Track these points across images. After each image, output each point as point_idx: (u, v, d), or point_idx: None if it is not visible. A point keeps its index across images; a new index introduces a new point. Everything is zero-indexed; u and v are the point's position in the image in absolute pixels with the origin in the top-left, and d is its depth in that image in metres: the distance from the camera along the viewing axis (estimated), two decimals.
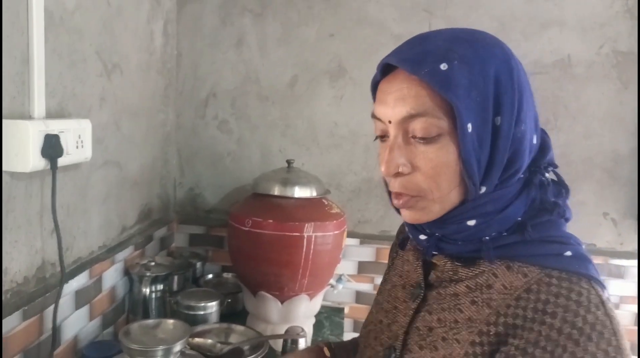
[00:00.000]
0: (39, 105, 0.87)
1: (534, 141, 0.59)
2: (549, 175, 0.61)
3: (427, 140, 0.56)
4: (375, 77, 0.62)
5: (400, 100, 0.56)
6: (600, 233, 1.50)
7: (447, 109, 0.54)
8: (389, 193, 0.66)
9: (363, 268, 1.57)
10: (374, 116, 0.61)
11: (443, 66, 0.53)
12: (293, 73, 1.54)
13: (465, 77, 0.53)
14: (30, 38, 0.85)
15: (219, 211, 1.62)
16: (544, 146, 0.62)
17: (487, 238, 0.58)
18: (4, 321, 0.82)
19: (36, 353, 0.92)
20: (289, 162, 1.34)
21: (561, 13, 1.43)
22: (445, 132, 0.55)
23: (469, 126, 0.53)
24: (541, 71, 1.45)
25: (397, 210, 0.66)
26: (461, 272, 0.60)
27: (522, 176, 0.59)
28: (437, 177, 0.56)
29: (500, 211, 0.57)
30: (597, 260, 1.47)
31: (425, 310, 0.63)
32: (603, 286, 0.56)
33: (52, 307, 0.93)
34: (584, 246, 0.59)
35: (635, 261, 1.47)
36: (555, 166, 0.62)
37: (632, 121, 1.44)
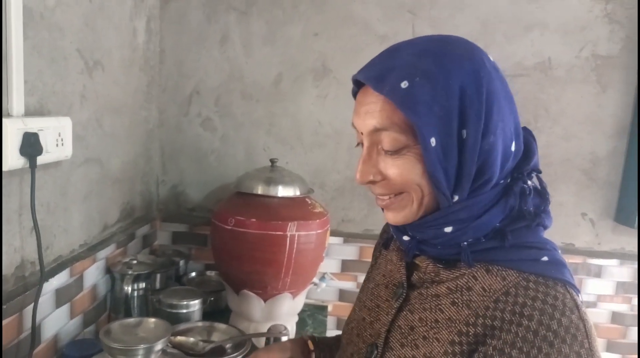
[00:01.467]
0: (17, 103, 0.85)
1: (512, 149, 0.60)
2: (532, 182, 0.62)
3: (393, 152, 0.59)
4: (353, 88, 0.66)
5: (368, 114, 0.59)
6: (578, 233, 1.53)
7: (410, 124, 0.56)
8: None
9: (346, 266, 1.58)
10: (352, 124, 0.64)
11: (404, 84, 0.55)
12: (277, 71, 1.54)
13: (427, 94, 0.55)
14: (8, 35, 0.83)
15: (202, 209, 1.62)
16: (528, 150, 0.63)
17: (465, 243, 0.59)
18: None
19: (15, 352, 0.91)
20: (272, 161, 1.35)
21: (544, 16, 1.45)
22: (410, 146, 0.57)
23: (432, 140, 0.55)
24: (522, 73, 1.47)
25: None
26: (442, 274, 0.62)
27: (502, 182, 0.60)
28: (406, 184, 0.59)
29: (476, 219, 0.59)
30: (575, 260, 1.51)
31: (407, 309, 0.64)
32: (577, 291, 0.58)
33: (31, 306, 0.93)
34: (559, 251, 0.61)
35: (612, 261, 1.51)
36: (539, 172, 0.63)
37: (610, 124, 1.47)
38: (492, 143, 0.57)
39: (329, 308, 1.59)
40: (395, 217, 0.63)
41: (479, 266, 0.59)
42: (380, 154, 0.60)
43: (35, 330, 0.93)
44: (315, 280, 1.49)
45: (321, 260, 1.35)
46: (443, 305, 0.60)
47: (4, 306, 0.87)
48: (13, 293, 0.90)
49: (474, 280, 0.59)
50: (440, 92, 0.55)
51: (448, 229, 0.59)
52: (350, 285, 1.59)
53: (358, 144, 0.65)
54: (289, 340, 0.88)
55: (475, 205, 0.58)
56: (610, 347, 1.55)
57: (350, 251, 1.58)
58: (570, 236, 1.53)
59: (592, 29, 1.44)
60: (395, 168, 0.59)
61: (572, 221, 1.53)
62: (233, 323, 1.25)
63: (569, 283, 0.57)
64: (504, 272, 0.58)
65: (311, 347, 0.84)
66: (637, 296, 1.51)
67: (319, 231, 1.28)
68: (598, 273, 1.52)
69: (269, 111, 1.56)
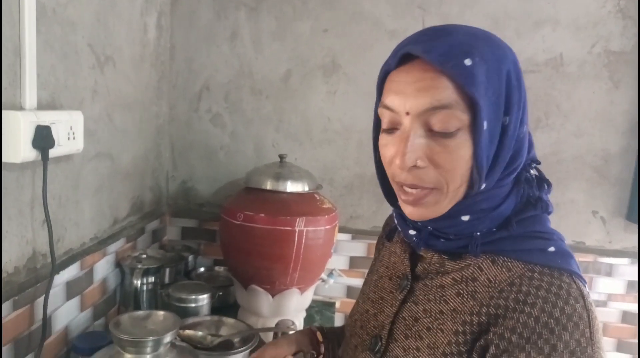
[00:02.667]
0: (30, 96, 0.87)
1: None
2: (533, 171, 0.63)
3: (445, 134, 0.55)
4: (388, 66, 0.59)
5: (422, 91, 0.54)
6: (589, 231, 1.52)
7: (468, 104, 0.54)
8: (384, 189, 0.66)
9: (354, 263, 1.58)
10: (384, 106, 0.58)
11: (467, 61, 0.53)
12: (287, 68, 1.54)
13: (484, 75, 0.53)
14: (22, 30, 0.84)
15: (211, 205, 1.62)
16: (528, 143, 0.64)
17: (477, 233, 0.59)
18: None
19: (27, 342, 0.92)
20: (281, 157, 1.35)
21: (555, 11, 1.43)
22: (464, 127, 0.54)
23: (485, 123, 0.54)
24: (534, 69, 1.46)
25: (394, 205, 0.67)
26: (447, 265, 0.62)
27: (515, 174, 0.61)
28: (453, 171, 0.56)
29: (495, 209, 0.59)
30: (586, 258, 1.49)
31: (412, 301, 0.64)
32: (584, 281, 0.57)
33: (42, 298, 0.94)
34: (566, 242, 0.61)
35: (624, 260, 1.49)
36: (538, 163, 0.64)
37: (622, 121, 1.46)
38: (525, 132, 0.59)
39: (337, 305, 1.59)
40: (424, 213, 0.59)
41: (484, 257, 0.59)
42: (427, 137, 0.55)
43: (46, 321, 0.94)
44: (324, 276, 1.49)
45: (329, 256, 1.35)
46: (448, 296, 0.60)
47: (15, 298, 0.88)
48: (25, 284, 0.92)
49: (479, 271, 0.59)
50: (493, 75, 0.54)
51: (465, 218, 0.59)
52: (358, 282, 1.59)
53: (388, 131, 0.59)
54: (297, 333, 0.88)
55: (498, 195, 0.59)
56: (621, 347, 1.54)
57: (358, 248, 1.58)
58: (581, 235, 1.52)
59: (605, 25, 1.42)
60: (445, 153, 0.55)
61: (583, 219, 1.51)
62: (241, 318, 1.25)
63: (575, 273, 0.57)
64: (509, 263, 0.58)
65: (320, 338, 0.84)
66: (624, 294, 1.50)
67: (327, 227, 1.28)
68: (609, 272, 1.51)
69: (278, 107, 1.56)
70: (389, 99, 0.58)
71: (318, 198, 1.33)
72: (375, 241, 1.52)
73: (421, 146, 0.56)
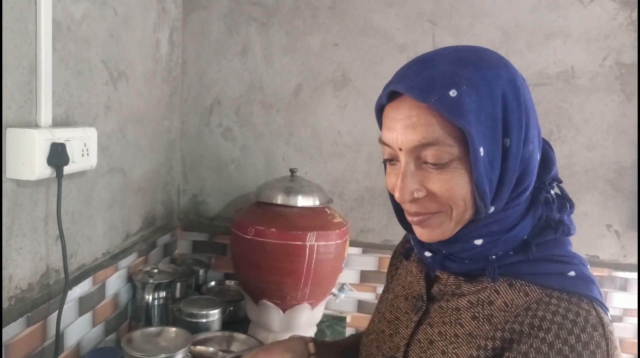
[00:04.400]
0: (45, 114, 0.88)
1: (537, 157, 0.60)
2: (554, 190, 0.62)
3: (439, 166, 0.55)
4: (380, 101, 0.61)
5: (409, 128, 0.55)
6: (603, 245, 1.50)
7: (458, 134, 0.54)
8: (395, 206, 0.66)
9: (365, 277, 1.57)
10: (381, 141, 0.60)
11: (452, 92, 0.53)
12: (297, 82, 1.55)
13: (474, 102, 0.53)
14: (38, 48, 0.86)
15: (222, 218, 1.63)
16: (547, 160, 0.62)
17: (493, 256, 0.58)
18: (7, 328, 0.83)
19: None
20: (292, 171, 1.35)
21: (566, 24, 1.43)
22: (457, 158, 0.55)
23: (481, 149, 0.53)
24: (545, 82, 1.46)
25: (404, 225, 0.67)
26: (464, 287, 0.61)
27: (528, 193, 0.60)
28: (452, 199, 0.56)
29: (507, 231, 0.58)
30: (600, 273, 1.47)
31: (427, 323, 0.63)
32: (606, 309, 0.56)
33: (55, 313, 0.94)
34: (588, 266, 0.60)
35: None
36: (560, 181, 0.63)
37: (635, 133, 1.44)
38: (531, 151, 0.57)
39: (348, 320, 1.58)
40: (430, 234, 0.59)
41: (502, 280, 0.58)
42: (421, 169, 0.57)
43: (60, 337, 0.95)
44: (334, 290, 1.48)
45: (340, 270, 1.35)
46: (463, 319, 0.59)
47: (29, 314, 0.88)
48: (38, 300, 0.92)
49: (496, 294, 0.58)
50: (485, 100, 0.54)
51: (478, 242, 0.58)
52: (369, 296, 1.58)
53: (390, 161, 0.60)
54: (290, 340, 0.83)
55: (509, 217, 0.58)
56: None
57: (369, 262, 1.57)
58: (594, 248, 1.50)
59: (616, 37, 1.42)
60: (442, 183, 0.56)
61: (597, 232, 1.49)
62: (252, 333, 1.25)
63: (596, 299, 0.55)
64: (527, 287, 0.57)
65: (312, 350, 0.80)
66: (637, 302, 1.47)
67: (338, 241, 1.27)
68: (624, 286, 1.48)
69: (288, 120, 1.57)
70: (385, 136, 0.59)
71: (329, 212, 1.33)
72: (386, 255, 1.54)
73: (417, 179, 0.57)
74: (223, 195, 1.63)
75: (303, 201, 1.28)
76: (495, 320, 0.56)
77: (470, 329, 0.58)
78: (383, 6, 1.49)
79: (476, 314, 0.58)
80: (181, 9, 1.55)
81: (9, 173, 0.82)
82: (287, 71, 1.55)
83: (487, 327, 0.57)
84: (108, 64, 1.11)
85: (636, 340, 1.50)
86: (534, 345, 0.52)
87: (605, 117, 1.45)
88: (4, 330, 0.82)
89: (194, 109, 1.60)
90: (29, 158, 0.82)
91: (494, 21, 1.46)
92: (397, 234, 1.54)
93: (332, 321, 1.53)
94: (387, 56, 1.50)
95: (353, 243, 1.51)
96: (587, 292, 0.55)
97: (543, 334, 0.52)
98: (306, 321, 1.29)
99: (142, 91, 1.30)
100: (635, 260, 1.49)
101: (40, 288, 0.93)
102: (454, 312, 0.61)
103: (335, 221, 1.30)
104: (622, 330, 1.49)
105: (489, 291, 0.59)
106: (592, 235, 1.49)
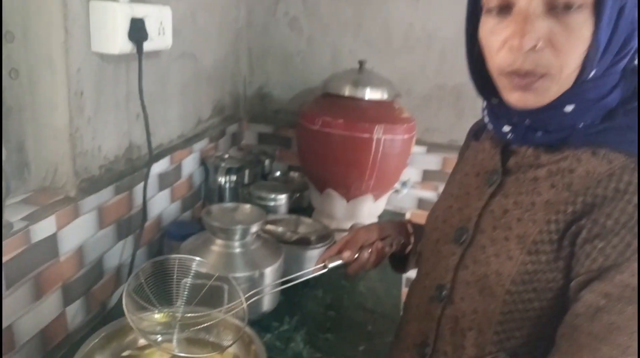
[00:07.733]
0: None
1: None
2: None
3: (569, 10, 0.50)
4: None
5: None
6: None
7: None
8: (478, 84, 0.63)
9: (428, 176, 1.57)
10: None
11: None
12: None
13: None
14: None
15: (286, 111, 1.64)
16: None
17: (580, 125, 0.56)
18: (99, 193, 0.90)
19: (127, 225, 1.01)
20: (360, 63, 1.31)
21: None
22: (588, 4, 0.50)
23: (609, 1, 0.49)
24: None
25: (488, 99, 0.63)
26: (543, 157, 0.59)
27: (626, 61, 0.56)
28: (570, 53, 0.52)
29: (601, 99, 0.55)
30: None
31: (502, 194, 0.62)
32: None
33: (139, 186, 1.01)
34: None
35: None
36: None
37: None
38: (636, 15, 0.52)
39: (407, 215, 1.60)
40: (531, 99, 0.55)
41: (584, 149, 0.56)
42: (545, 17, 0.51)
43: (146, 206, 1.02)
44: (397, 185, 1.49)
45: (405, 166, 1.35)
46: (541, 188, 0.58)
47: (117, 183, 0.95)
48: (124, 172, 0.99)
49: (577, 163, 0.56)
50: None
51: (569, 108, 0.55)
52: (430, 195, 1.58)
53: (499, 9, 0.54)
54: (389, 222, 0.88)
55: (606, 85, 0.55)
56: None
57: (433, 161, 1.56)
58: None
59: None
60: (566, 33, 0.51)
61: None
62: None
63: None
64: (611, 155, 0.54)
65: (410, 230, 0.86)
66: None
67: (405, 136, 1.26)
68: None
69: (358, 11, 1.50)
70: None
71: (397, 106, 1.30)
72: (450, 155, 1.51)
73: (542, 27, 0.51)
74: (288, 88, 1.62)
75: (371, 93, 1.26)
76: (575, 187, 0.55)
77: (548, 197, 0.57)
78: None
79: (555, 182, 0.57)
80: None
81: (93, 46, 0.84)
82: None
83: (566, 194, 0.55)
84: None
85: None
86: (619, 206, 0.51)
87: None
88: (96, 194, 0.90)
89: None
90: (111, 31, 0.84)
91: None
92: (463, 134, 1.50)
93: (391, 216, 1.56)
94: None
95: (417, 142, 1.49)
96: None
97: (629, 196, 0.51)
98: (368, 212, 1.33)
99: None
100: None
101: (125, 161, 1.00)
102: (532, 182, 0.59)
103: (403, 116, 1.28)
104: None
105: (570, 160, 0.57)
106: None
